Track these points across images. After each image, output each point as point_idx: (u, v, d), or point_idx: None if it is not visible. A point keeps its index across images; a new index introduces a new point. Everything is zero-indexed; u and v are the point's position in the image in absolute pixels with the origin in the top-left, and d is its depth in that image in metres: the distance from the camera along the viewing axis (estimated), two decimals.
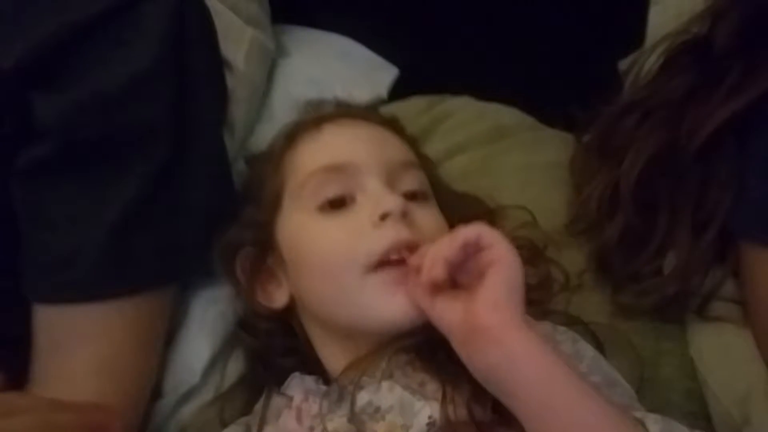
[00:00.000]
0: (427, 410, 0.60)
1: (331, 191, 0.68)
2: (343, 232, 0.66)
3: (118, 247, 0.67)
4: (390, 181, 0.69)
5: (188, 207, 0.71)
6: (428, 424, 0.60)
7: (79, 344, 0.67)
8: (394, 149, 0.73)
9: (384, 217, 0.65)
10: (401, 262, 0.64)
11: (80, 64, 0.66)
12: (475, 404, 0.59)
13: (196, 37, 0.73)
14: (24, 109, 0.65)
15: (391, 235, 0.64)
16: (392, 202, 0.66)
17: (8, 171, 0.66)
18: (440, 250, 0.60)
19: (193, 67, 0.71)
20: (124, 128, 0.67)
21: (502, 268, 0.58)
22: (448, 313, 0.60)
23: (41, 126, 0.65)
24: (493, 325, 0.56)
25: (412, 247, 0.64)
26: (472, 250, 0.59)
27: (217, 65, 0.77)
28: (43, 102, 0.65)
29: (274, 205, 0.71)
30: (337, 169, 0.69)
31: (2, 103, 0.65)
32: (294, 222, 0.70)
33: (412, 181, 0.71)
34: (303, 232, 0.69)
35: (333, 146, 0.72)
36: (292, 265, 0.70)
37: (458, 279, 0.61)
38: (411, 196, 0.70)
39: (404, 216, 0.65)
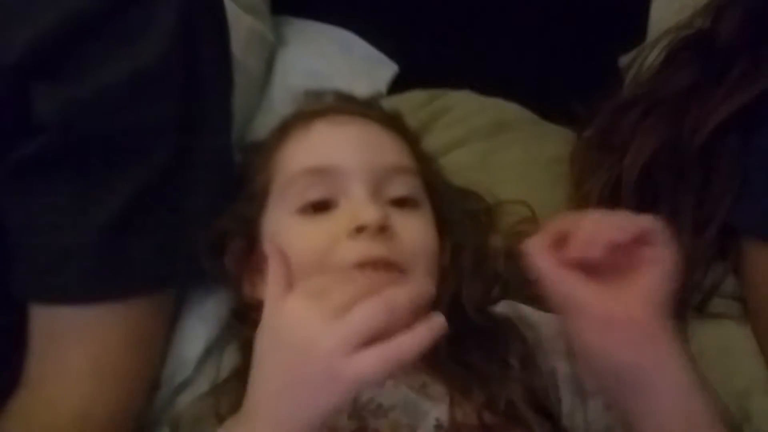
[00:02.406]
0: (434, 413, 0.60)
1: (314, 194, 0.67)
2: (318, 239, 0.65)
3: (110, 250, 0.65)
4: (377, 186, 0.67)
5: (188, 211, 0.69)
6: (436, 427, 0.59)
7: (72, 345, 0.65)
8: (386, 152, 0.70)
9: (360, 229, 0.63)
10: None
11: (84, 58, 0.64)
12: (485, 411, 0.59)
13: (207, 31, 0.70)
14: (24, 105, 0.63)
15: (363, 250, 0.63)
16: (370, 215, 0.63)
17: (2, 167, 0.64)
18: (606, 231, 0.55)
19: (203, 62, 0.69)
20: (126, 127, 0.65)
21: (665, 271, 0.55)
22: (582, 292, 0.55)
23: (39, 122, 0.63)
24: (650, 321, 0.53)
25: (384, 265, 0.62)
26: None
27: (227, 59, 0.75)
28: (43, 96, 0.63)
29: (261, 200, 0.70)
30: (321, 172, 0.67)
31: (2, 97, 0.63)
32: (275, 221, 0.69)
33: (401, 187, 0.68)
34: (281, 233, 0.68)
35: (320, 147, 0.70)
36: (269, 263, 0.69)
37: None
38: (400, 203, 0.68)
39: (383, 230, 0.63)
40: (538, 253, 0.57)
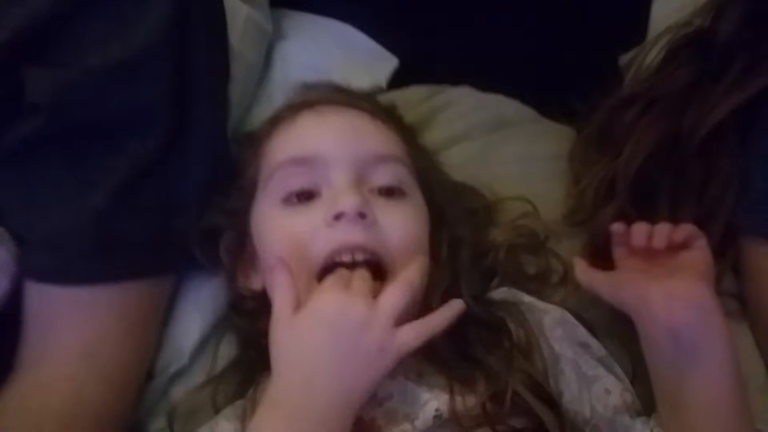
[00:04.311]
0: (434, 403, 0.60)
1: (297, 184, 0.66)
2: (298, 229, 0.65)
3: (105, 234, 0.65)
4: (360, 175, 0.66)
5: (183, 195, 0.69)
6: (435, 417, 0.60)
7: (65, 328, 0.65)
8: (371, 141, 0.69)
9: (338, 217, 0.63)
10: (352, 266, 0.62)
11: (77, 40, 0.64)
12: (491, 403, 0.59)
13: (202, 17, 0.71)
14: (15, 85, 0.63)
15: (339, 236, 0.63)
16: (348, 201, 0.63)
17: None
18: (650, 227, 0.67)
19: (197, 49, 0.70)
20: (119, 109, 0.65)
21: (709, 258, 0.65)
22: (646, 276, 0.65)
23: (32, 103, 0.63)
24: (706, 294, 0.62)
25: (364, 251, 0.63)
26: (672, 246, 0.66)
27: (222, 47, 0.75)
28: (35, 77, 0.63)
29: (250, 193, 0.70)
30: (304, 162, 0.67)
31: None
32: (260, 212, 0.69)
33: (386, 175, 0.68)
34: (265, 224, 0.68)
35: (303, 137, 0.69)
36: (259, 255, 0.69)
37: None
38: (386, 192, 0.67)
39: (362, 216, 0.63)
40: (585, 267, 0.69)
